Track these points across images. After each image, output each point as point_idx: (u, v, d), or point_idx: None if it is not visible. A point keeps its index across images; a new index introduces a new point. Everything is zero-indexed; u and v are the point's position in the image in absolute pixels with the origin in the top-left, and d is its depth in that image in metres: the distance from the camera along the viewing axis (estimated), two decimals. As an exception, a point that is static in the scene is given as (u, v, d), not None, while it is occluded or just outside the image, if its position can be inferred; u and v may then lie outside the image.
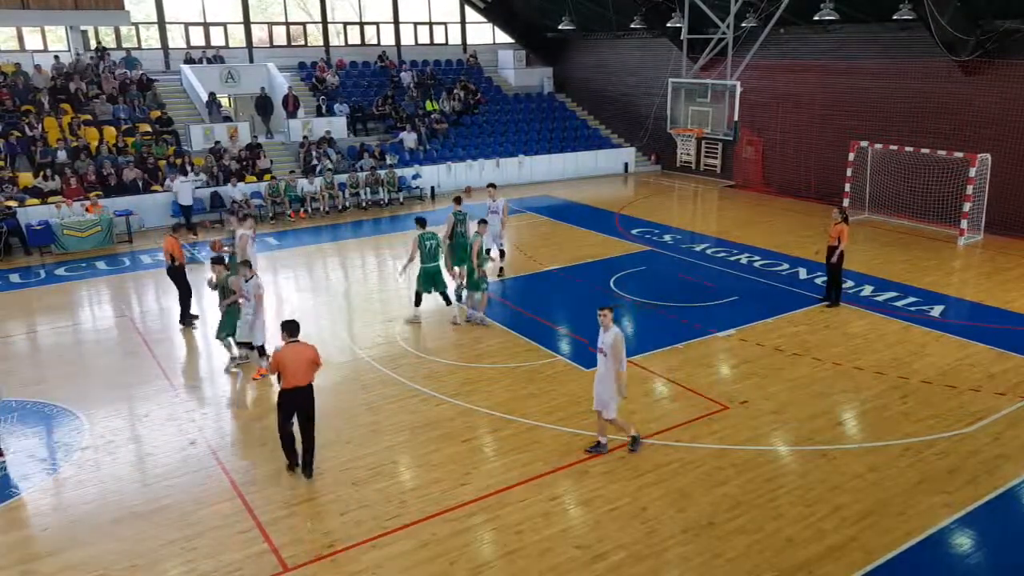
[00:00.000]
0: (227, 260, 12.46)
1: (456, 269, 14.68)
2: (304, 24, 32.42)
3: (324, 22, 31.38)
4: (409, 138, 27.30)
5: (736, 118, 20.69)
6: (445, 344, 13.15)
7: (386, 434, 10.05)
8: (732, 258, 18.06)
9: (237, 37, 29.92)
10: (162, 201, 21.90)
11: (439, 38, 34.26)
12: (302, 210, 23.31)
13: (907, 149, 20.17)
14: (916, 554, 7.54)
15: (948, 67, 20.20)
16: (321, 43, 31.43)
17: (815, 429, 9.97)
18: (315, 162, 24.72)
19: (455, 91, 30.29)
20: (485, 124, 29.94)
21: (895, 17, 19.17)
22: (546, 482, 8.85)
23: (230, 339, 11.99)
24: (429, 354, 12.67)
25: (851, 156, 21.44)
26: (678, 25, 23.30)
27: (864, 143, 21.32)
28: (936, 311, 14.33)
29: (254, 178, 23.78)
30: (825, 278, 14.89)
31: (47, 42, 27.90)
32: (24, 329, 14.49)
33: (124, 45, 28.56)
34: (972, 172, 18.50)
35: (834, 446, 9.55)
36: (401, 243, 19.55)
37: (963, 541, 7.78)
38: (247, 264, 11.78)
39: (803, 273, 16.70)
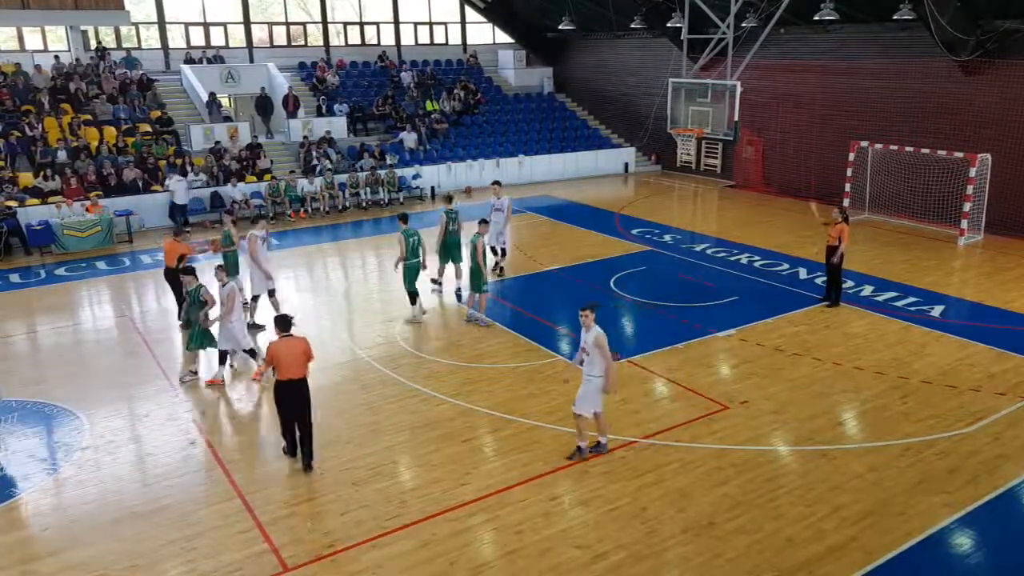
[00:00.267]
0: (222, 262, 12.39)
1: (441, 266, 15.25)
2: (304, 24, 32.43)
3: (324, 22, 31.39)
4: (409, 138, 27.30)
5: (736, 118, 20.69)
6: (445, 344, 13.15)
7: (386, 434, 10.05)
8: (732, 258, 18.06)
9: (237, 37, 29.93)
10: (162, 201, 21.90)
11: (439, 38, 34.27)
12: (302, 210, 23.31)
13: (907, 149, 20.17)
14: (916, 554, 7.54)
15: (948, 67, 20.20)
16: (321, 43, 31.44)
17: (815, 429, 9.97)
18: (315, 162, 24.72)
19: (455, 91, 30.30)
20: (485, 124, 29.94)
21: (895, 17, 19.17)
22: (546, 482, 8.85)
23: (204, 350, 11.68)
24: (429, 354, 12.67)
25: (851, 156, 21.44)
26: (678, 25, 23.30)
27: (864, 143, 21.32)
28: (936, 311, 14.33)
29: (254, 178, 23.78)
30: (825, 278, 14.89)
31: (47, 42, 27.91)
32: (24, 329, 14.49)
33: (124, 45, 28.57)
34: (972, 172, 18.50)
35: (834, 446, 9.55)
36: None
37: (963, 541, 7.78)
38: (223, 268, 11.58)
39: (803, 273, 16.70)
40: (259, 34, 30.94)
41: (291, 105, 26.61)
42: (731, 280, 16.33)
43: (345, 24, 32.47)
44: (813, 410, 10.49)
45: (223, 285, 11.45)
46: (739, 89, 20.50)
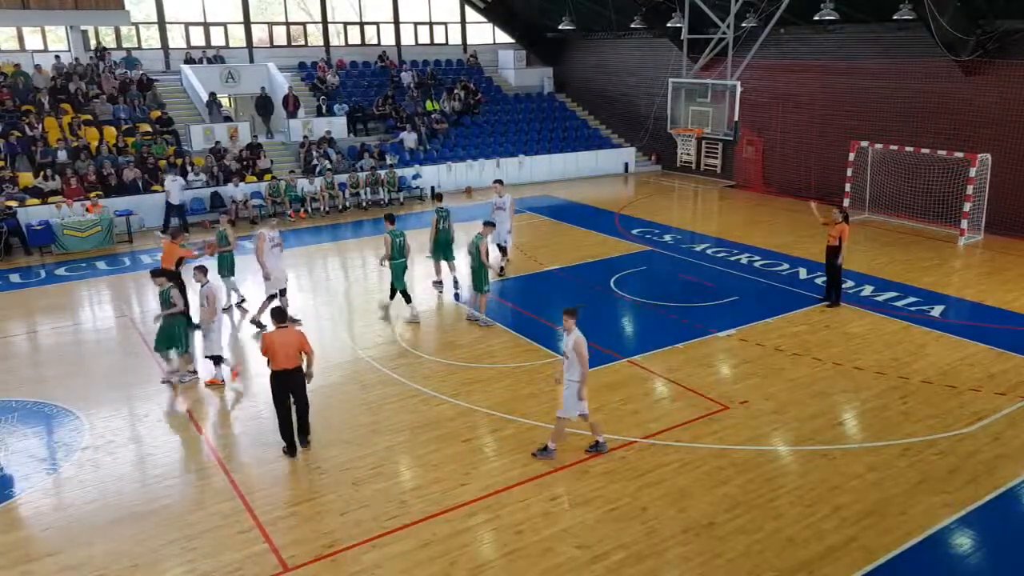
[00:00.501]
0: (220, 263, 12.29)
1: (436, 264, 15.53)
2: (304, 24, 32.43)
3: (324, 22, 31.38)
4: (409, 138, 27.31)
5: (736, 118, 20.68)
6: (445, 344, 13.15)
7: (386, 434, 10.05)
8: (732, 258, 18.06)
9: (237, 37, 29.93)
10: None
11: (439, 38, 34.27)
12: (302, 210, 23.32)
13: (907, 149, 20.17)
14: (916, 554, 7.54)
15: (948, 67, 20.20)
16: (321, 43, 31.43)
17: (815, 429, 9.97)
18: (315, 162, 24.72)
19: (455, 91, 30.30)
20: (485, 124, 29.94)
21: (895, 17, 19.16)
22: (546, 482, 8.85)
23: (171, 352, 11.52)
24: (429, 354, 12.67)
25: (851, 156, 21.44)
26: (678, 25, 23.29)
27: (864, 143, 21.32)
28: (936, 311, 14.33)
29: (254, 178, 23.78)
30: (825, 278, 14.89)
31: (47, 42, 27.91)
32: (24, 329, 14.49)
33: (124, 45, 28.57)
34: (972, 172, 18.50)
35: (834, 446, 9.55)
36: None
37: (963, 541, 7.78)
38: (202, 270, 11.43)
39: (803, 273, 16.70)
40: (259, 34, 30.94)
41: (291, 105, 26.61)
42: (731, 280, 16.33)
43: (345, 24, 32.48)
44: (813, 410, 10.49)
45: (202, 287, 11.31)
46: (739, 89, 20.49)
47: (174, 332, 11.36)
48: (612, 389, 11.20)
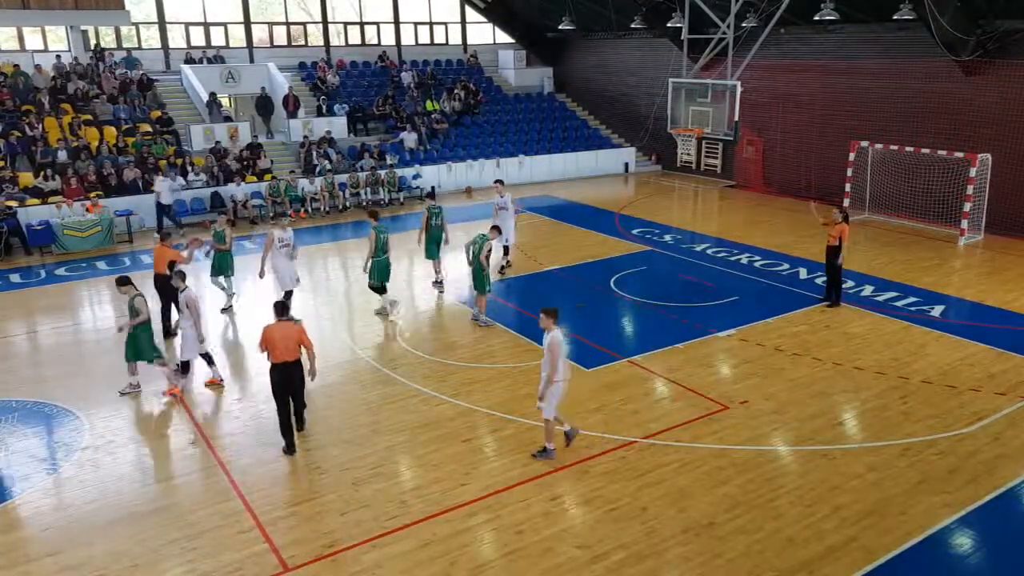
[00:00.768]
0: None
1: (434, 262, 15.87)
2: (304, 24, 32.43)
3: (324, 22, 31.39)
4: (409, 138, 27.31)
5: (736, 118, 20.68)
6: (445, 344, 13.15)
7: (386, 434, 10.05)
8: (732, 258, 18.06)
9: (237, 37, 29.93)
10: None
11: (439, 38, 34.27)
12: (302, 210, 23.32)
13: (907, 149, 20.17)
14: (916, 554, 7.54)
15: (948, 67, 20.20)
16: (321, 43, 31.44)
17: (815, 429, 9.97)
18: (315, 162, 24.73)
19: (455, 91, 30.30)
20: (485, 124, 29.94)
21: (895, 17, 19.16)
22: (546, 482, 8.85)
23: (138, 363, 11.25)
24: (429, 354, 12.67)
25: (851, 156, 21.44)
26: (678, 25, 23.28)
27: (864, 143, 21.32)
28: (936, 311, 14.33)
29: (254, 178, 23.78)
30: (825, 278, 14.89)
31: (47, 42, 27.91)
32: (24, 329, 14.50)
33: (124, 45, 28.57)
34: (972, 172, 18.50)
35: (834, 446, 9.55)
36: (400, 243, 19.53)
37: (963, 541, 7.78)
38: (181, 275, 11.34)
39: (803, 273, 16.70)
40: (259, 34, 30.94)
41: (291, 105, 26.62)
42: (731, 280, 16.33)
43: (345, 24, 32.48)
44: (813, 410, 10.49)
45: (181, 292, 11.21)
46: (739, 89, 20.49)
47: (138, 341, 11.03)
48: (612, 389, 11.20)
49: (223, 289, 14.99)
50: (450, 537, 7.89)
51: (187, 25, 29.37)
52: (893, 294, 15.28)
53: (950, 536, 7.81)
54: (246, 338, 13.70)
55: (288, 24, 31.71)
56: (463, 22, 34.47)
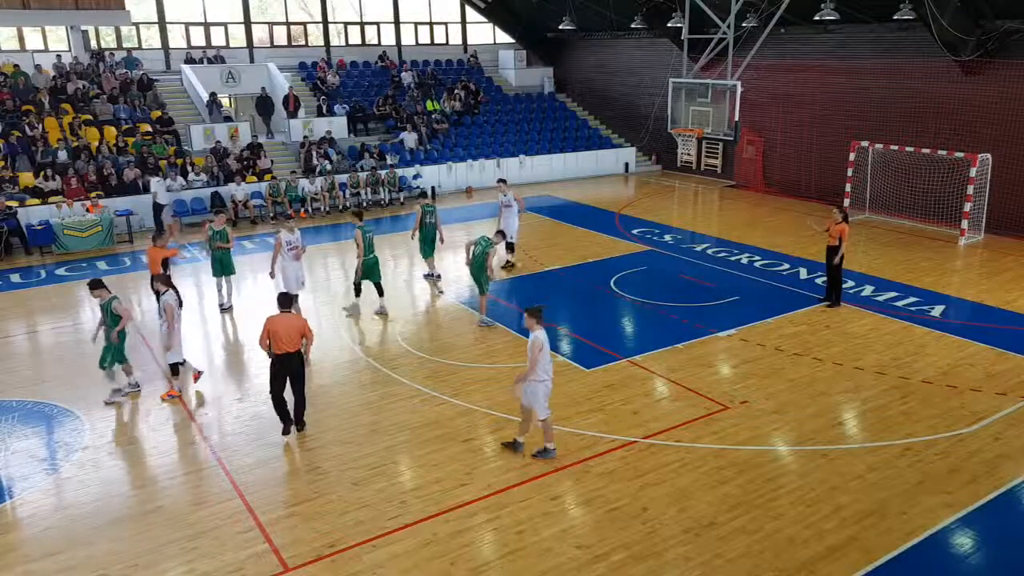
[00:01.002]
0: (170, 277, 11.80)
1: (428, 259, 16.31)
2: (305, 24, 32.43)
3: (325, 22, 31.39)
4: (410, 138, 27.31)
5: (737, 118, 20.67)
6: (445, 344, 13.15)
7: (386, 434, 10.05)
8: (733, 258, 18.06)
9: (238, 37, 29.94)
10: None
11: (439, 38, 34.27)
12: (303, 210, 23.32)
13: (907, 149, 20.17)
14: (917, 554, 7.53)
15: (948, 67, 20.19)
16: (322, 43, 31.44)
17: (816, 429, 9.96)
18: (315, 162, 24.73)
19: (456, 91, 30.30)
20: (486, 124, 29.94)
21: (895, 17, 19.16)
22: (546, 482, 8.85)
23: (115, 368, 11.03)
24: (429, 354, 12.67)
25: (851, 156, 21.44)
26: (679, 25, 23.28)
27: (864, 143, 21.32)
28: (937, 311, 14.33)
29: (255, 178, 23.78)
30: (825, 278, 14.89)
31: (48, 42, 27.92)
32: (24, 329, 14.50)
33: (125, 45, 28.58)
34: (973, 172, 18.50)
35: (835, 446, 9.54)
36: (401, 243, 19.57)
37: (963, 541, 7.78)
38: (162, 279, 11.24)
39: (804, 273, 16.69)
40: (259, 34, 30.95)
41: (292, 105, 26.62)
42: (731, 280, 16.32)
43: (346, 24, 32.48)
44: (813, 410, 10.49)
45: (159, 296, 11.09)
46: (739, 89, 20.47)
47: (117, 346, 10.85)
48: (612, 389, 11.20)
49: (220, 291, 15.01)
50: (450, 537, 7.89)
51: (187, 25, 29.37)
52: (893, 294, 15.28)
53: (950, 536, 7.81)
54: (246, 338, 13.70)
55: (288, 24, 31.71)
56: (463, 22, 34.48)
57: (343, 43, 32.26)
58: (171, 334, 11.02)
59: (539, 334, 8.86)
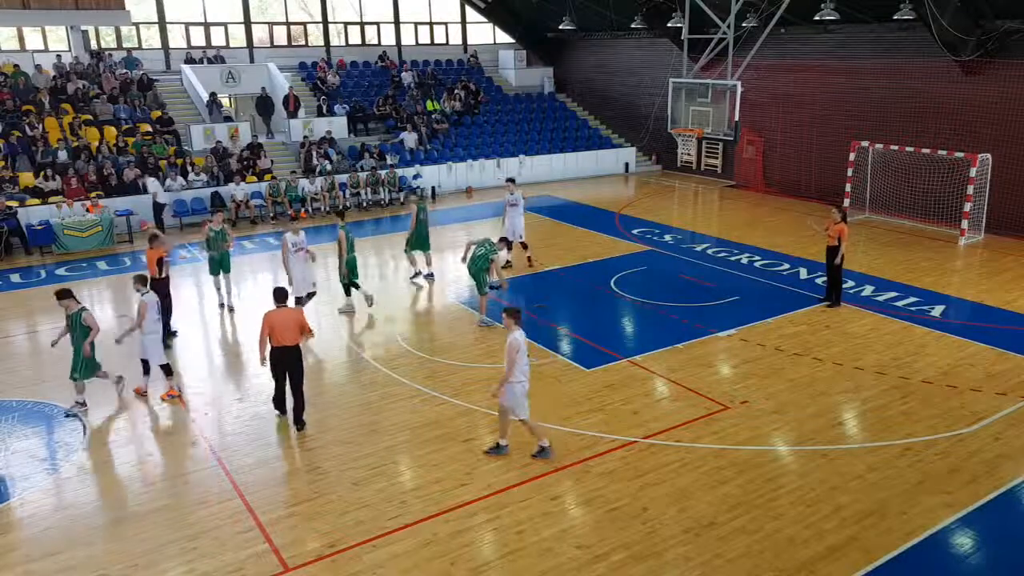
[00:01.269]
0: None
1: (411, 256, 16.60)
2: (305, 24, 32.43)
3: (325, 22, 31.39)
4: (410, 138, 27.31)
5: (737, 118, 20.67)
6: (445, 344, 13.15)
7: (386, 434, 10.05)
8: (733, 258, 18.06)
9: (238, 37, 29.94)
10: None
11: (439, 38, 34.27)
12: (303, 210, 23.32)
13: (907, 149, 20.17)
14: (917, 554, 7.53)
15: (948, 67, 20.19)
16: (322, 43, 31.44)
17: (816, 429, 9.96)
18: (315, 162, 24.73)
19: (456, 91, 30.30)
20: (486, 124, 29.94)
21: (895, 17, 19.16)
22: (546, 482, 8.85)
23: (85, 380, 10.73)
24: (429, 354, 12.67)
25: (851, 156, 21.44)
26: (679, 25, 23.28)
27: (864, 143, 21.32)
28: (937, 311, 14.33)
29: (255, 178, 23.78)
30: (825, 278, 14.89)
31: (48, 42, 27.92)
32: (24, 329, 14.50)
33: (125, 45, 28.58)
34: (973, 172, 18.50)
35: (835, 446, 9.54)
36: (402, 243, 19.53)
37: (964, 541, 7.78)
38: (142, 279, 11.14)
39: (804, 273, 16.69)
40: (259, 34, 30.95)
41: (292, 105, 26.62)
42: (731, 280, 16.32)
43: (346, 24, 32.48)
44: (813, 410, 10.49)
45: (140, 295, 10.96)
46: (740, 89, 20.47)
47: (92, 358, 10.64)
48: (612, 389, 11.20)
49: (219, 289, 15.02)
50: (450, 537, 7.88)
51: (187, 25, 29.37)
52: (893, 294, 15.28)
53: (950, 536, 7.81)
54: (246, 338, 13.69)
55: (288, 24, 31.71)
56: (463, 22, 34.47)
57: (343, 43, 32.26)
58: (130, 330, 10.99)
59: (516, 335, 8.88)
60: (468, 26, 34.60)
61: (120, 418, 10.71)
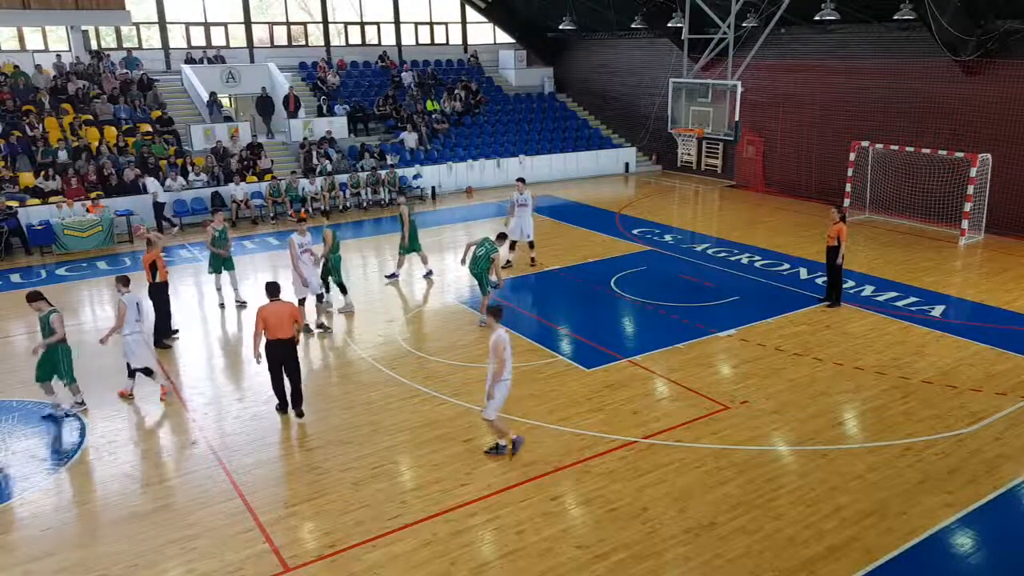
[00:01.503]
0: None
1: (400, 258, 16.62)
2: (305, 24, 32.43)
3: (325, 22, 31.40)
4: (410, 138, 27.31)
5: (737, 118, 20.66)
6: (445, 344, 13.15)
7: (386, 434, 10.05)
8: (733, 258, 18.06)
9: (238, 37, 29.95)
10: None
11: (440, 38, 34.28)
12: (303, 210, 23.31)
13: (907, 149, 20.17)
14: (917, 554, 7.53)
15: (948, 67, 20.19)
16: (322, 43, 31.45)
17: (816, 429, 9.96)
18: (315, 162, 24.73)
19: (456, 91, 30.30)
20: (486, 124, 29.94)
21: (895, 17, 19.16)
22: (546, 482, 8.85)
23: (53, 382, 10.68)
24: (429, 354, 12.67)
25: (851, 156, 21.44)
26: (679, 25, 23.28)
27: (864, 143, 21.31)
28: (937, 311, 14.33)
29: (255, 178, 23.79)
30: (825, 278, 14.89)
31: (48, 42, 27.93)
32: (24, 329, 14.50)
33: (125, 45, 28.59)
34: (973, 172, 18.49)
35: (835, 446, 9.54)
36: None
37: (964, 541, 7.78)
38: (124, 280, 11.09)
39: (804, 273, 16.69)
40: (260, 34, 30.95)
41: (292, 105, 26.62)
42: (732, 280, 16.32)
43: (346, 24, 32.48)
44: (814, 410, 10.49)
45: (121, 295, 10.94)
46: (740, 89, 20.46)
47: (56, 360, 10.59)
48: (612, 389, 11.20)
49: (219, 289, 15.02)
50: (450, 537, 7.88)
51: (187, 25, 29.38)
52: (893, 294, 15.27)
53: (950, 536, 7.81)
54: (246, 338, 13.68)
55: (288, 24, 31.72)
56: (463, 22, 34.48)
57: (343, 43, 32.27)
58: (111, 332, 10.94)
59: (501, 333, 8.92)
60: (468, 26, 34.61)
61: (120, 418, 10.71)
